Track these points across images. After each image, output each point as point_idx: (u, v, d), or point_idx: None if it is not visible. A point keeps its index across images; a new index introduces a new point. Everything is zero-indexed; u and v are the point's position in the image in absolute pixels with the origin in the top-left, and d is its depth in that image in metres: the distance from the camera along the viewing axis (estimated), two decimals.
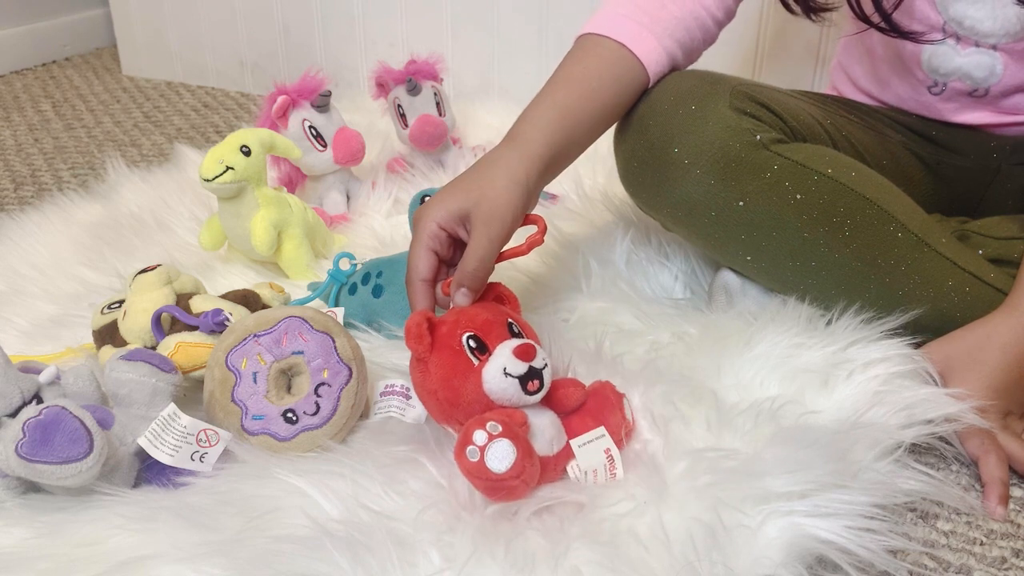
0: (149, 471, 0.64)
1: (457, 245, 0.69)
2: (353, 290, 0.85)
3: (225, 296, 0.81)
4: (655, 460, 0.62)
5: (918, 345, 0.73)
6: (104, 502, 0.60)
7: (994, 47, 0.80)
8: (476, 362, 0.61)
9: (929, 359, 0.71)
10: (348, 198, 1.12)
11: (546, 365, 0.61)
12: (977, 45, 0.81)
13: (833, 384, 0.69)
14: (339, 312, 0.82)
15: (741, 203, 0.72)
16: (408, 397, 0.70)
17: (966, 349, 0.71)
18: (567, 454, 0.62)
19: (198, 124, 1.58)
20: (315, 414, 0.65)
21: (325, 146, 1.08)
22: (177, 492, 0.62)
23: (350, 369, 0.67)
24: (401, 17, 1.56)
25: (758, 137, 0.71)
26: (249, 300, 0.81)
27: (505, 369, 0.60)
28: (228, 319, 0.74)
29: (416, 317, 0.62)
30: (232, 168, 0.88)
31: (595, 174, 1.09)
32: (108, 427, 0.62)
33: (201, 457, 0.62)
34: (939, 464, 0.69)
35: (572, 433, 0.63)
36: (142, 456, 0.63)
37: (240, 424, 0.65)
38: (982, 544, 0.62)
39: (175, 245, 1.03)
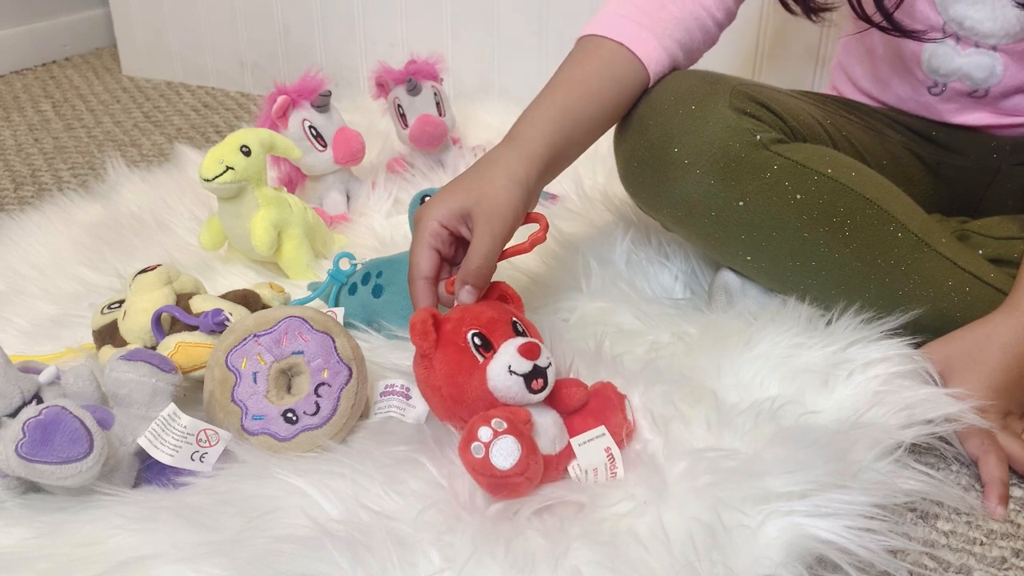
0: (149, 471, 0.64)
1: (458, 244, 0.69)
2: (353, 290, 0.85)
3: (225, 296, 0.81)
4: (655, 460, 0.62)
5: (918, 345, 0.73)
6: (104, 502, 0.60)
7: (994, 48, 0.80)
8: (481, 359, 0.61)
9: (929, 359, 0.71)
10: (348, 198, 1.12)
11: (550, 364, 0.61)
12: (977, 46, 0.81)
13: (833, 384, 0.69)
14: (339, 312, 0.82)
15: (741, 203, 0.72)
16: (408, 397, 0.70)
17: (966, 349, 0.71)
18: (569, 454, 0.62)
19: (198, 124, 1.58)
20: (315, 414, 0.65)
21: (325, 146, 1.08)
22: (177, 492, 0.62)
23: (350, 369, 0.67)
24: (401, 17, 1.56)
25: (758, 137, 0.71)
26: (249, 300, 0.81)
27: (510, 367, 0.60)
28: (228, 319, 0.74)
29: (421, 313, 0.62)
30: (232, 168, 0.88)
31: (595, 174, 1.09)
32: (108, 427, 0.62)
33: (201, 457, 0.62)
34: (939, 464, 0.69)
35: (574, 433, 0.63)
36: (142, 456, 0.63)
37: (240, 424, 0.65)
38: (982, 544, 0.62)
39: (175, 245, 1.03)
